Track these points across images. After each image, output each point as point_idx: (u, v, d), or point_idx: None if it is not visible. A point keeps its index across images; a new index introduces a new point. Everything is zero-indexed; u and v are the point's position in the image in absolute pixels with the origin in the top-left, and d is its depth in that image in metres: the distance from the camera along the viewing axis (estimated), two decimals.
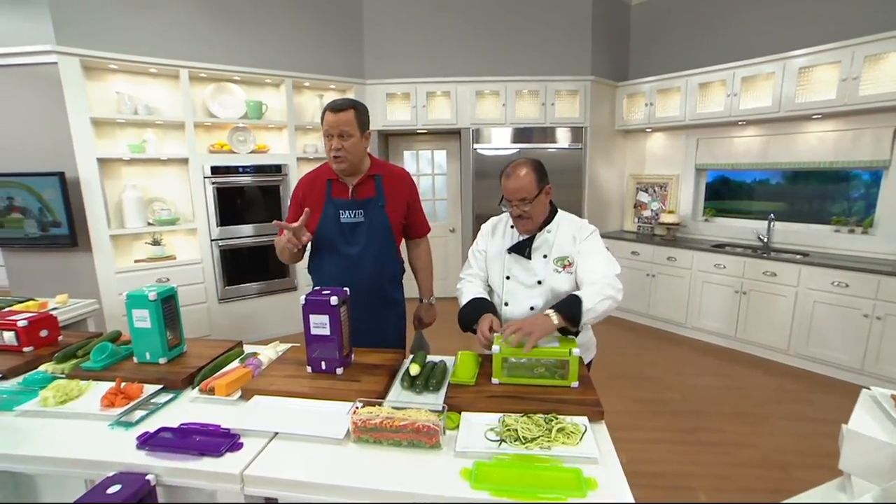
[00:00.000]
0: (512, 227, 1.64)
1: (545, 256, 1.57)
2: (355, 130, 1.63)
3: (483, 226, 1.77)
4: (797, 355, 3.44)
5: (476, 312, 1.53)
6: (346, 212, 1.72)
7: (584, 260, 1.53)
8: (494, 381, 1.32)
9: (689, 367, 3.52)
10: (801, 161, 3.78)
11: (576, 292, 1.42)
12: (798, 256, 3.58)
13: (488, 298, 1.63)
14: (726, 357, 3.69)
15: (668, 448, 2.47)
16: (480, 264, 1.71)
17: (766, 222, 3.98)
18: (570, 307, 1.37)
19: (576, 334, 1.42)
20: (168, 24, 3.49)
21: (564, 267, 1.55)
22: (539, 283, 1.57)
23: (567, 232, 1.58)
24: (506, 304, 1.63)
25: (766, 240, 3.97)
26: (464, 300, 1.63)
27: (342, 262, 1.73)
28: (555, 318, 1.34)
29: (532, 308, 1.58)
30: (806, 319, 3.35)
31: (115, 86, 3.42)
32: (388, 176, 1.81)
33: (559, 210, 1.65)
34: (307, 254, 1.84)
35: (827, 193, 3.87)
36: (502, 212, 1.65)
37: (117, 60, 3.27)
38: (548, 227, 1.58)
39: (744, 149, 4.11)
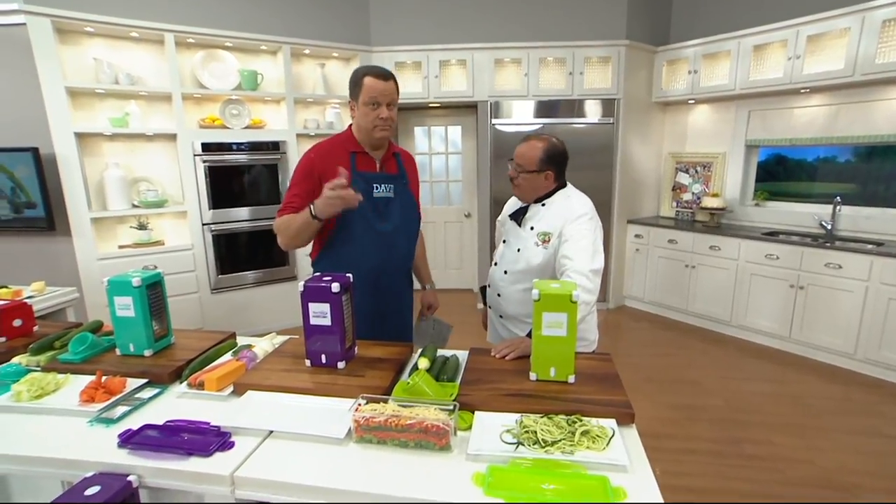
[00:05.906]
0: None
1: (532, 228, 1.76)
2: (397, 100, 1.75)
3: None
4: (866, 360, 3.35)
5: None
6: (379, 186, 1.78)
7: (566, 245, 1.64)
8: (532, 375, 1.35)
9: (733, 371, 3.47)
10: (880, 133, 3.63)
11: None
12: (870, 246, 3.47)
13: None
14: (778, 360, 3.63)
15: (706, 460, 2.45)
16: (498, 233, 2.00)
17: (830, 207, 3.88)
18: None
19: None
20: None
21: (543, 241, 1.72)
22: (518, 250, 1.78)
23: (559, 208, 1.74)
24: (494, 265, 1.90)
25: (829, 227, 3.86)
26: None
27: (377, 240, 1.77)
28: None
29: (506, 272, 1.81)
30: (878, 319, 3.26)
31: (93, 51, 3.45)
32: (404, 156, 1.92)
33: (568, 185, 1.81)
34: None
35: None
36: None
37: (94, 22, 3.29)
38: (543, 201, 1.77)
39: (806, 121, 4.00)
